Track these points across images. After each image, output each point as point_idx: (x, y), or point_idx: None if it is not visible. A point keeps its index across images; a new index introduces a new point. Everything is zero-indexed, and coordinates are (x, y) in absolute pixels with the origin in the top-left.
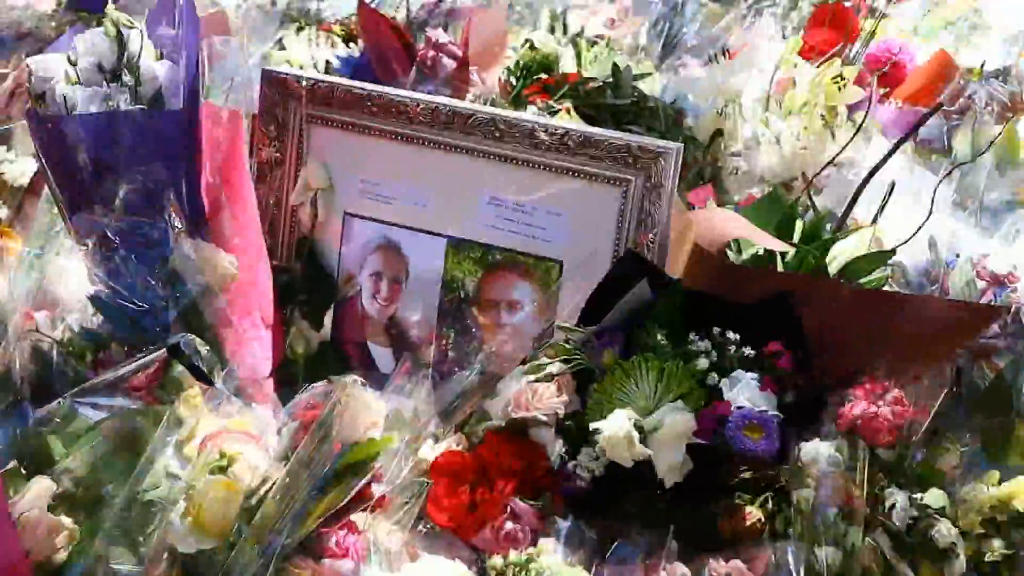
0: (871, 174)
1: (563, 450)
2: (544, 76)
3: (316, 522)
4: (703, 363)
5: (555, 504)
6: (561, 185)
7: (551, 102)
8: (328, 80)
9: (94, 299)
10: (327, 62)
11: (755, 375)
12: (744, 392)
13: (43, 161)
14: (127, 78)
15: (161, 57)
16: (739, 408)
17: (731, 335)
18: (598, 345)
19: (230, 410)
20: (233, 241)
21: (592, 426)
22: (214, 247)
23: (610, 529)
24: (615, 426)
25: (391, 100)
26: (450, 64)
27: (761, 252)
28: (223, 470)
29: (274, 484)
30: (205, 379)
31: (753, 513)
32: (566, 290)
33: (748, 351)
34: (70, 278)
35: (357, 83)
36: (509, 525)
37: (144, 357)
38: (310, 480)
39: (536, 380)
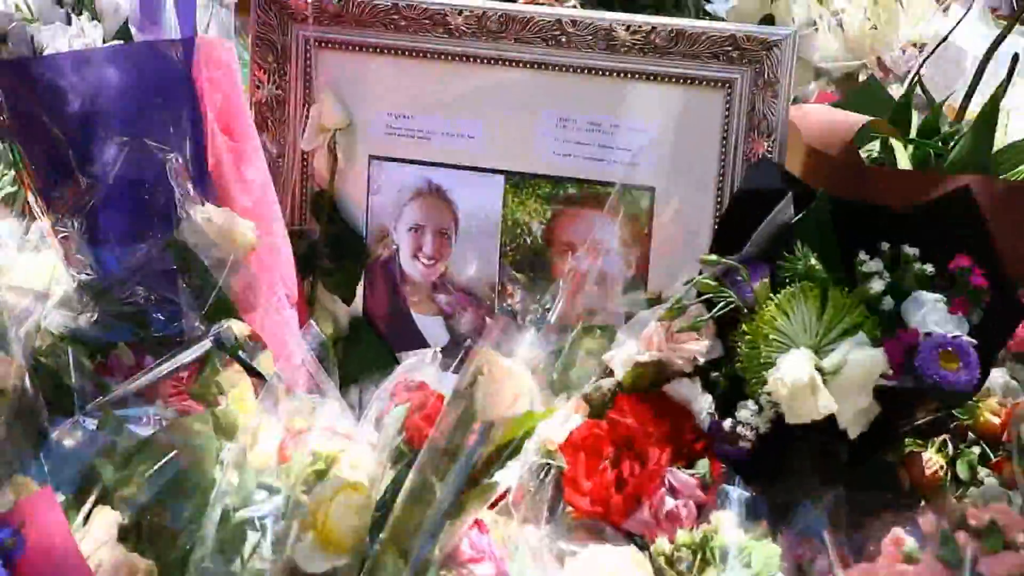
0: (990, 52)
1: (712, 406)
2: None
3: (473, 516)
4: (878, 286)
5: (714, 471)
6: (648, 94)
7: None
8: None
9: (87, 288)
10: None
11: (939, 295)
12: (929, 317)
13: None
14: (85, 13)
15: None
16: (928, 335)
17: (908, 250)
18: (750, 276)
19: (291, 406)
20: (243, 202)
21: (770, 374)
22: (229, 212)
23: (781, 492)
24: (796, 371)
25: (425, 9)
26: None
27: (877, 153)
28: (324, 474)
29: (400, 481)
30: (256, 373)
31: (933, 459)
32: (661, 222)
33: (928, 268)
34: (15, 272)
35: None
36: (670, 502)
37: (180, 354)
38: (456, 470)
39: (680, 330)
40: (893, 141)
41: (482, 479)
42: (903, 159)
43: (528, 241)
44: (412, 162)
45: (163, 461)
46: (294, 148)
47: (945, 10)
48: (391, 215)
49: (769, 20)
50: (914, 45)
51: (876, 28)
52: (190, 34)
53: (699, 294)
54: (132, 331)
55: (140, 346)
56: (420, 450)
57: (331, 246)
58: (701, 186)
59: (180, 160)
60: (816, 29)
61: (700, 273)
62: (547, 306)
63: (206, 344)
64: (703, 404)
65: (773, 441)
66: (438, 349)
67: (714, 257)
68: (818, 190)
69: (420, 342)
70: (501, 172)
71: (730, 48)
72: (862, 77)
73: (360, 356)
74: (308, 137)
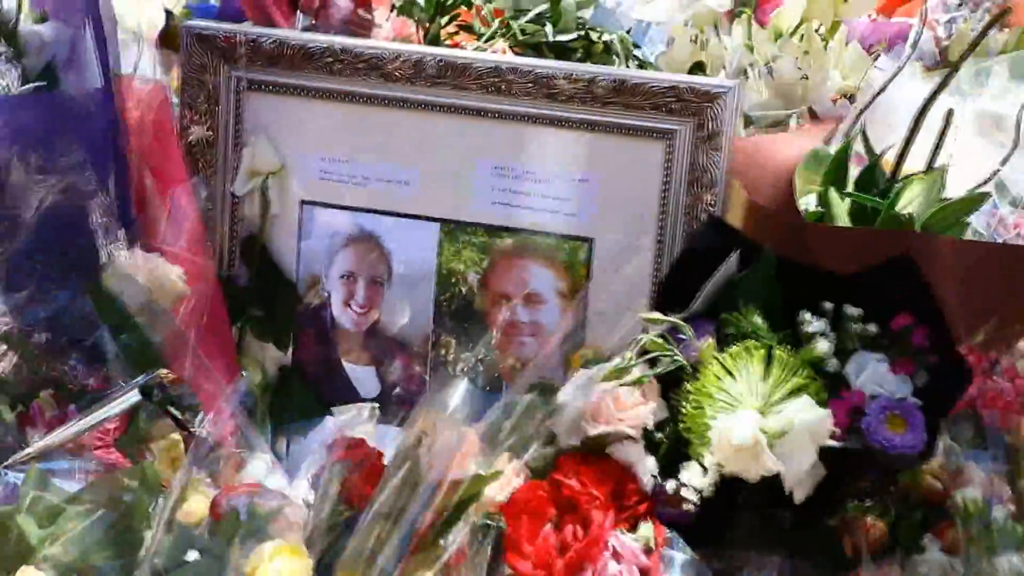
0: (924, 108)
1: (656, 469)
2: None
3: None
4: (823, 346)
5: (657, 535)
6: (587, 144)
7: (480, 44)
8: (274, 34)
9: (8, 339)
10: (167, 12)
11: (881, 356)
12: (873, 377)
13: None
14: (4, 48)
15: (42, 20)
16: (874, 396)
17: (851, 310)
18: (696, 335)
19: (220, 461)
20: (172, 247)
21: (714, 434)
22: (158, 257)
23: (725, 558)
24: (741, 432)
25: (360, 54)
26: (344, 5)
27: (813, 207)
28: (257, 534)
29: (339, 544)
30: (184, 425)
31: (876, 525)
32: (599, 274)
33: (871, 328)
34: None
35: (314, 36)
36: (613, 567)
37: (106, 405)
38: (399, 534)
39: (622, 385)
40: (831, 194)
41: (426, 543)
42: (840, 213)
43: (463, 291)
44: (345, 208)
45: (92, 518)
46: (224, 191)
47: (875, 59)
48: (323, 262)
49: (700, 67)
50: (844, 96)
51: (807, 78)
52: (107, 76)
53: (642, 352)
54: (53, 381)
55: (62, 396)
56: (359, 511)
57: (261, 293)
58: (641, 238)
59: (104, 204)
60: (747, 78)
61: (643, 330)
62: (480, 357)
63: (134, 395)
64: (647, 466)
65: (717, 505)
66: (375, 405)
67: (658, 315)
68: (764, 248)
69: (351, 392)
70: (436, 220)
71: (671, 99)
72: (792, 124)
73: (289, 406)
74: (240, 181)
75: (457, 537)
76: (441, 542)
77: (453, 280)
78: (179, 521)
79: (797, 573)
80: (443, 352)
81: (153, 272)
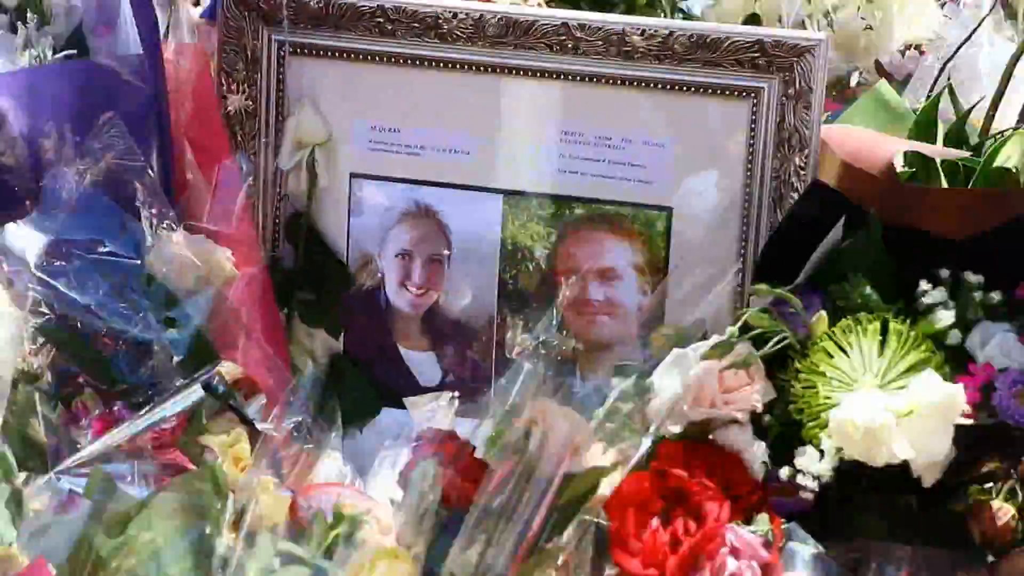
0: (1017, 57)
1: (767, 455)
2: None
3: None
4: (945, 317)
5: (775, 527)
6: (664, 104)
7: None
8: None
9: (47, 331)
10: None
11: (1007, 326)
12: (1001, 349)
13: None
14: (32, 16)
15: None
16: (1003, 370)
17: (971, 277)
18: (805, 308)
19: (290, 460)
20: (218, 227)
21: (833, 416)
22: (204, 240)
23: (850, 550)
24: (868, 412)
25: (415, 12)
26: None
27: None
28: (348, 538)
29: (444, 546)
30: (249, 421)
31: (1004, 509)
32: (679, 246)
33: (994, 295)
34: None
35: None
36: (732, 563)
37: (166, 401)
38: (511, 534)
39: (727, 367)
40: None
41: (540, 543)
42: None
43: (530, 267)
44: (399, 180)
45: (166, 526)
46: (266, 165)
47: (942, 6)
48: (375, 239)
49: (755, 20)
50: (913, 47)
51: (871, 28)
52: (150, 40)
53: (745, 328)
54: (95, 376)
55: (106, 392)
56: (458, 510)
57: (309, 275)
58: (725, 206)
59: (148, 182)
60: (805, 28)
61: (747, 304)
62: (549, 338)
63: (195, 391)
64: (757, 452)
65: (836, 492)
66: (455, 394)
67: (766, 287)
68: (870, 213)
69: (409, 381)
70: (499, 191)
71: (757, 54)
72: (854, 80)
73: (342, 397)
74: (284, 154)
75: (573, 536)
76: (553, 541)
77: (519, 256)
78: (255, 526)
79: (929, 563)
80: (509, 335)
81: (201, 255)
